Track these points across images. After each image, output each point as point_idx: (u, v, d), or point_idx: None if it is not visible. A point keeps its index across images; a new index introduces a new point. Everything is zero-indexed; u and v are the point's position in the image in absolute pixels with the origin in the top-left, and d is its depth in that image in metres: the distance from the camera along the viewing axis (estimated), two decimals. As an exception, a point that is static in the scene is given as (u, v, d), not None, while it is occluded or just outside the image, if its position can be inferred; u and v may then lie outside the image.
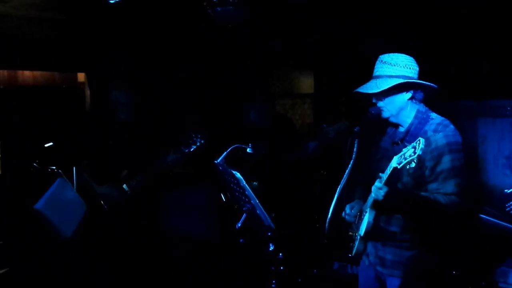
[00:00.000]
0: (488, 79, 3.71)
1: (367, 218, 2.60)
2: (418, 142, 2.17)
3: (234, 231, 3.07)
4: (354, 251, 2.75)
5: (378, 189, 2.38)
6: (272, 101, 4.23)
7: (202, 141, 3.65)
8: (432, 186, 2.45)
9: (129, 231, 3.76)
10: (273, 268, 3.16)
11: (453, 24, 3.95)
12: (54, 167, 3.45)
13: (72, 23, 4.76)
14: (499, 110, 3.79)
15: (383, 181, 2.40)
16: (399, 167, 2.26)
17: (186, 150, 3.65)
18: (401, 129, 2.60)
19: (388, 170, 2.37)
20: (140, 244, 3.81)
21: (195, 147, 3.64)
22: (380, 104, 2.54)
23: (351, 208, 2.76)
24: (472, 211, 3.13)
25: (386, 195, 2.37)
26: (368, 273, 2.76)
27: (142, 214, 3.83)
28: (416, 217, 2.51)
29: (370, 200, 2.63)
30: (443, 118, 2.54)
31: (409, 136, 2.52)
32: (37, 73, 5.05)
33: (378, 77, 2.52)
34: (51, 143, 3.76)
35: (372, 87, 2.50)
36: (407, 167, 2.34)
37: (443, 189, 2.41)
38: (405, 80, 2.46)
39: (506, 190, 3.38)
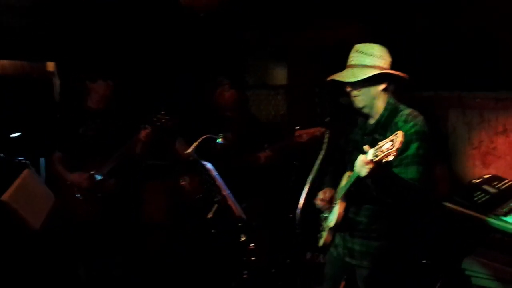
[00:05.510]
0: (458, 70, 3.75)
1: (337, 210, 2.60)
2: (396, 135, 2.03)
3: (205, 221, 3.06)
4: (322, 242, 2.77)
5: (364, 163, 2.17)
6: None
7: (167, 117, 3.63)
8: (395, 170, 2.43)
9: (105, 220, 3.72)
10: (244, 258, 3.16)
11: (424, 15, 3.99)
12: (21, 158, 3.39)
13: (41, 11, 4.65)
14: (468, 101, 3.84)
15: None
16: (375, 160, 2.09)
17: (152, 127, 3.63)
18: (372, 121, 2.60)
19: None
20: (115, 233, 3.77)
21: (159, 124, 3.62)
22: (355, 93, 2.52)
23: (324, 193, 2.75)
24: (435, 200, 3.17)
25: (371, 170, 2.18)
26: (336, 264, 2.78)
27: (118, 203, 3.79)
28: (389, 196, 2.41)
29: (340, 192, 2.64)
30: (412, 109, 2.54)
31: (380, 128, 2.53)
32: (5, 62, 4.94)
33: (353, 66, 2.50)
34: (18, 133, 3.70)
35: (348, 76, 2.48)
36: (384, 160, 2.07)
37: (404, 174, 2.41)
38: (383, 71, 2.46)
39: (474, 180, 3.44)
